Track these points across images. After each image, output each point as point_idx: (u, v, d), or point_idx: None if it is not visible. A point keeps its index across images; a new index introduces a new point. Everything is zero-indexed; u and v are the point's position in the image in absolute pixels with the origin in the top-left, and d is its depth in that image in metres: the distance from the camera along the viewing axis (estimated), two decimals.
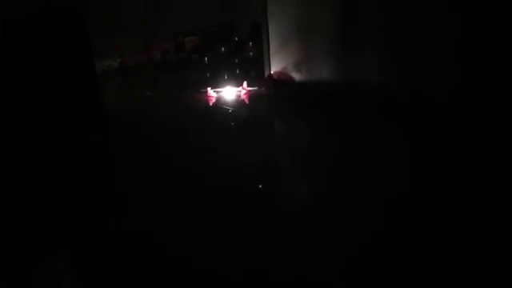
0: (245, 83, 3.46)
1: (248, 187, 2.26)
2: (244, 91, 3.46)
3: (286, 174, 2.42)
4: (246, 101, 3.38)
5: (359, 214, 1.90)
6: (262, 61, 3.48)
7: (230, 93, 3.48)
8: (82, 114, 2.48)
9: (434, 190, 2.01)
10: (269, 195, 2.18)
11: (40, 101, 2.35)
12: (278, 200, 2.21)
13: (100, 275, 1.92)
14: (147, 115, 3.14)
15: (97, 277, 1.92)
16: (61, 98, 2.40)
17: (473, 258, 1.60)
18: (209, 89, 3.45)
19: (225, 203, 2.17)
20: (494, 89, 2.41)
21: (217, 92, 3.47)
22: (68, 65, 2.43)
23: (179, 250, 1.89)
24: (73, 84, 2.44)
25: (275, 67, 3.39)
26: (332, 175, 2.29)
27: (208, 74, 3.61)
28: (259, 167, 2.41)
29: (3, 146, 2.14)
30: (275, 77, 3.37)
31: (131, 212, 2.17)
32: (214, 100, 3.39)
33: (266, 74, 3.42)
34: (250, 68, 3.77)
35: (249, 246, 1.79)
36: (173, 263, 1.83)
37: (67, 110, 2.42)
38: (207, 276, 1.69)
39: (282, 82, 3.35)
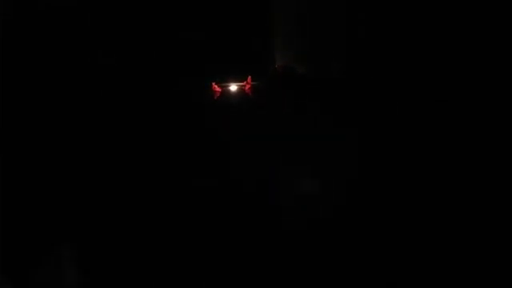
0: (249, 78, 3.45)
1: (246, 185, 2.28)
2: (248, 85, 3.44)
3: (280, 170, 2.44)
4: (251, 94, 3.37)
5: None
6: (267, 55, 3.46)
7: (234, 87, 3.47)
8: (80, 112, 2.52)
9: None
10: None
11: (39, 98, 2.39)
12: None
13: (100, 272, 1.96)
14: (150, 109, 3.15)
15: (97, 274, 1.96)
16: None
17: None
18: (213, 83, 3.44)
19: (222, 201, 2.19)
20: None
21: (221, 86, 3.46)
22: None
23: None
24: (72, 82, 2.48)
25: (280, 61, 3.37)
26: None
27: (212, 68, 3.62)
28: (256, 162, 2.43)
29: (3, 146, 2.18)
30: (280, 71, 3.35)
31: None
32: (218, 94, 3.38)
33: (271, 68, 3.40)
34: (254, 62, 3.76)
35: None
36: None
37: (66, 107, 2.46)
38: None
39: (286, 76, 3.33)
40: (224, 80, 3.59)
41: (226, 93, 3.38)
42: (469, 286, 1.73)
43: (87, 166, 2.50)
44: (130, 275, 2.23)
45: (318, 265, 2.17)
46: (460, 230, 2.02)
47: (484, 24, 2.39)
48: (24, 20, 2.34)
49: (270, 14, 3.33)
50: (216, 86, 3.52)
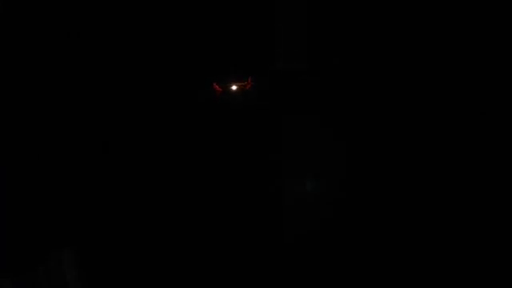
0: (250, 78, 3.45)
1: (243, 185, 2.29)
2: (249, 85, 3.44)
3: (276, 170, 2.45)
4: (252, 94, 3.38)
5: None
6: (268, 55, 3.46)
7: (235, 87, 3.47)
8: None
9: None
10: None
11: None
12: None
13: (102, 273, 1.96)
14: (151, 109, 3.16)
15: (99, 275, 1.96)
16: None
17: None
18: (214, 83, 3.44)
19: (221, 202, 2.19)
20: None
21: (222, 86, 3.46)
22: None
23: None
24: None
25: (281, 62, 3.37)
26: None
27: (213, 67, 3.63)
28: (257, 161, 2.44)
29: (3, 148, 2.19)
30: (281, 71, 3.35)
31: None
32: (219, 94, 3.39)
33: (272, 68, 3.40)
34: (255, 62, 3.76)
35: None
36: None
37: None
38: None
39: (287, 77, 3.33)
40: (225, 80, 3.59)
41: (226, 92, 3.39)
42: (469, 286, 1.74)
43: (88, 166, 2.50)
44: (130, 277, 2.23)
45: (318, 265, 2.18)
46: (459, 230, 2.02)
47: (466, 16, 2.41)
48: (23, 20, 2.35)
49: (271, 14, 3.33)
50: (217, 86, 3.52)
